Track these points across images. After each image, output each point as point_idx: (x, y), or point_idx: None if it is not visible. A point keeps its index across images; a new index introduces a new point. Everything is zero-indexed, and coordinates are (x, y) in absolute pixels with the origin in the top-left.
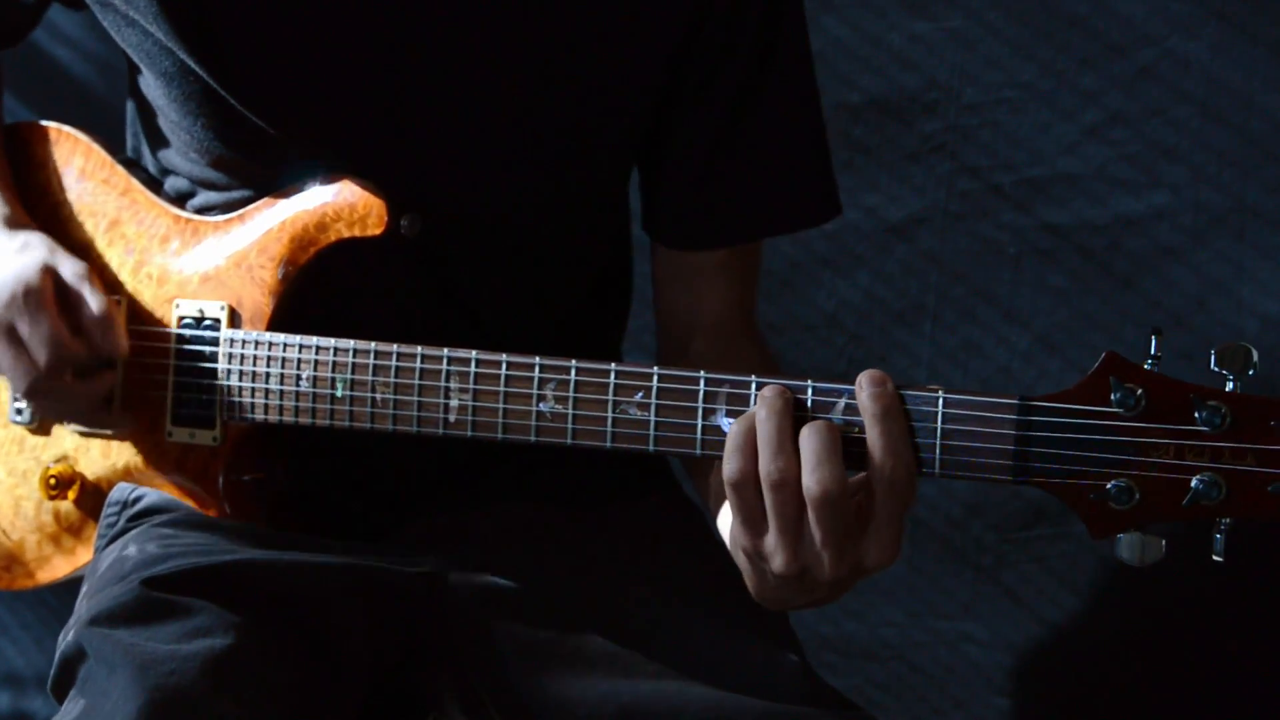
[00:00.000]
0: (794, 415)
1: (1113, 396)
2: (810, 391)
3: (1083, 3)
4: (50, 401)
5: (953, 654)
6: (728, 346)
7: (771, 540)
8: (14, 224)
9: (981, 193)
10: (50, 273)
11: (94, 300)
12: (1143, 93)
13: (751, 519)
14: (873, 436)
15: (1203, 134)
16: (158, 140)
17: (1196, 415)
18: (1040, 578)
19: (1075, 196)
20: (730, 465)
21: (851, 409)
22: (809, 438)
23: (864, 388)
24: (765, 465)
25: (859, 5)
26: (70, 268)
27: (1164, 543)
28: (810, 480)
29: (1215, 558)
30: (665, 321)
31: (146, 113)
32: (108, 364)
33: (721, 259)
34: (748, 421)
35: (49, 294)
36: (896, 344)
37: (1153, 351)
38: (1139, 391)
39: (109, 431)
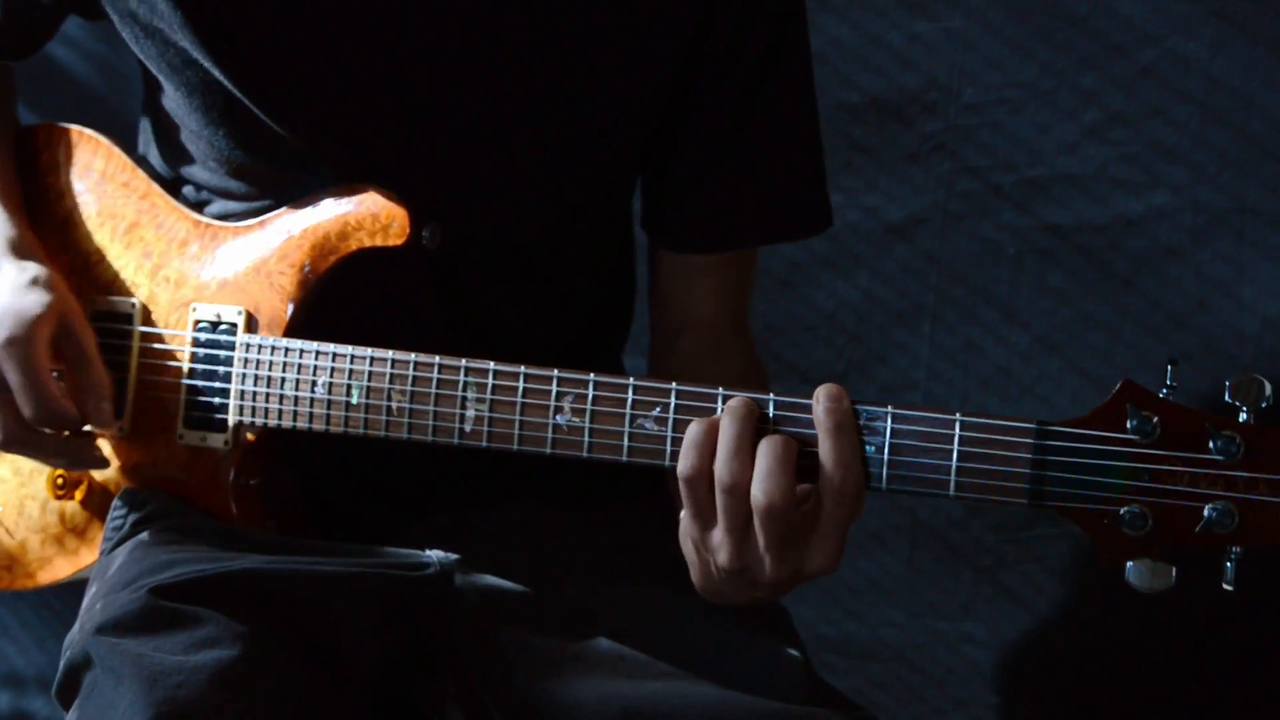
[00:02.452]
0: (756, 425)
1: (1129, 424)
2: (771, 405)
3: (1083, 2)
4: (26, 450)
5: (953, 654)
6: (715, 345)
7: (718, 537)
8: (22, 252)
9: (981, 193)
10: (49, 323)
11: (93, 367)
12: (1143, 92)
13: (701, 514)
14: (824, 449)
15: (1203, 134)
16: (176, 153)
17: (1211, 444)
18: (1040, 578)
19: (1075, 196)
20: (685, 461)
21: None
22: (764, 449)
23: (819, 401)
24: (719, 468)
25: (859, 5)
26: (77, 322)
27: (1174, 570)
28: (758, 490)
29: (1226, 586)
30: (657, 316)
31: (163, 127)
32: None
33: (716, 262)
34: (709, 422)
35: (43, 347)
36: (896, 344)
37: (1168, 380)
38: (1154, 420)
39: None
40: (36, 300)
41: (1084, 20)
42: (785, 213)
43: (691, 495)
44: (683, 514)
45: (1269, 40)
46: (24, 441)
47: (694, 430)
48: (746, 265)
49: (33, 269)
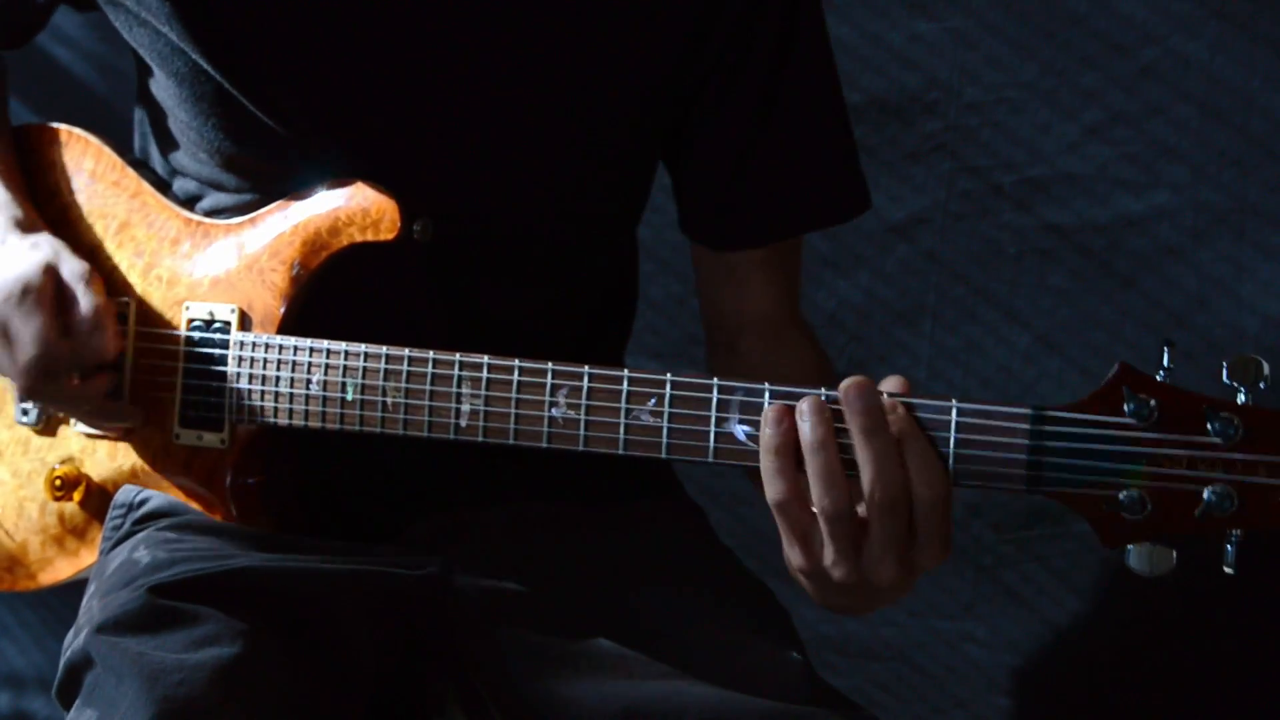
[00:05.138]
0: (836, 434)
1: (1126, 407)
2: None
3: (1084, 2)
4: (47, 402)
5: (954, 653)
6: (777, 341)
7: (830, 557)
8: (28, 228)
9: (982, 192)
10: (51, 272)
11: (85, 300)
12: (1143, 92)
13: (803, 536)
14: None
15: (1203, 133)
16: (167, 142)
17: (1209, 427)
18: (1041, 577)
19: (1076, 196)
20: (774, 489)
21: None
22: (866, 448)
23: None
24: (820, 499)
25: (860, 4)
26: (70, 267)
27: (1174, 553)
28: (874, 489)
29: (1226, 569)
30: (712, 320)
31: (156, 114)
32: (109, 364)
33: (762, 256)
34: (781, 439)
35: (47, 293)
36: (897, 344)
37: (1165, 363)
38: (1152, 402)
39: (117, 428)
40: (38, 258)
41: (1084, 20)
42: (823, 197)
43: (787, 520)
44: (785, 545)
45: (1269, 40)
46: (38, 391)
47: (769, 450)
48: (793, 255)
49: (34, 238)
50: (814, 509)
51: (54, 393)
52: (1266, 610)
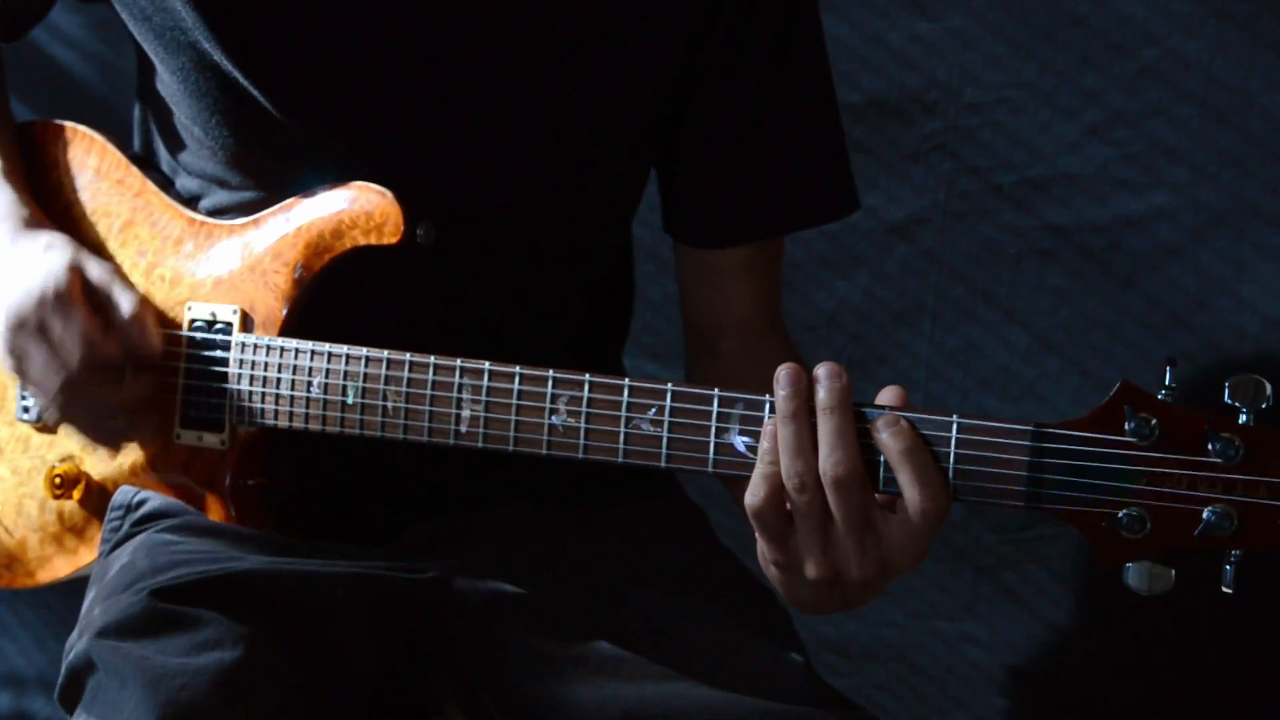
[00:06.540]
0: (811, 420)
1: (1127, 426)
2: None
3: (1083, 2)
4: (80, 408)
5: (953, 654)
6: (757, 345)
7: (802, 547)
8: (35, 225)
9: (982, 192)
10: (77, 272)
11: (125, 299)
12: (1143, 92)
13: (777, 536)
14: (904, 478)
15: (1203, 133)
16: (169, 139)
17: (1210, 447)
18: (1041, 578)
19: (1076, 196)
20: (757, 494)
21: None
22: (821, 429)
23: (882, 430)
24: (787, 468)
25: (860, 4)
26: (97, 268)
27: (1173, 572)
28: (826, 464)
29: (1225, 589)
30: (692, 321)
31: (158, 112)
32: (131, 369)
33: (745, 257)
34: (771, 442)
35: (77, 292)
36: (896, 344)
37: (1167, 382)
38: (1153, 421)
39: (126, 435)
40: (58, 259)
41: (1084, 20)
42: (812, 196)
43: (762, 524)
44: (759, 545)
45: (1269, 40)
46: (79, 394)
47: (762, 468)
48: (776, 259)
49: (46, 236)
50: (784, 483)
51: (92, 399)
52: (1266, 610)
